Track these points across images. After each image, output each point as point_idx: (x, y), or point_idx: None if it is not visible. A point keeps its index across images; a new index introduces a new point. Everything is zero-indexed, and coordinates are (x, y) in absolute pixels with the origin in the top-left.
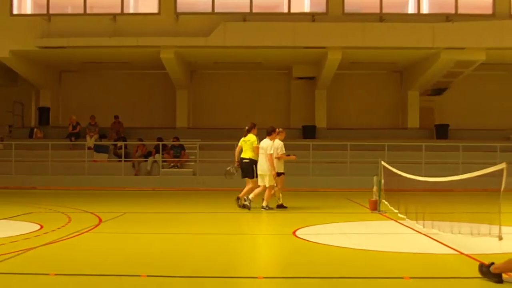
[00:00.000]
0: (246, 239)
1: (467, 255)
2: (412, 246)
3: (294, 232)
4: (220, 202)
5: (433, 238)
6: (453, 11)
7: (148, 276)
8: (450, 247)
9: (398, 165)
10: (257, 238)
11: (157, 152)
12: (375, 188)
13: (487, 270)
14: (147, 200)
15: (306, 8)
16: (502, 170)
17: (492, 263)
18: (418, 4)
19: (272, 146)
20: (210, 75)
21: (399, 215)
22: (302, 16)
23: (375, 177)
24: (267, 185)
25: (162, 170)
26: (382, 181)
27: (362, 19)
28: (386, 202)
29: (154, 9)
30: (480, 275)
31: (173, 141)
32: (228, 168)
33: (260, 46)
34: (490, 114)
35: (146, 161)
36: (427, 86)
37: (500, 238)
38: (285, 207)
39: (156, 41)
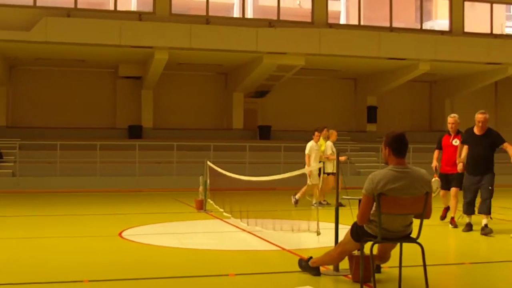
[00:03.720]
0: (70, 242)
1: (288, 250)
2: (237, 244)
3: (120, 234)
4: (41, 205)
5: (256, 235)
6: (275, 18)
7: None
8: (273, 243)
9: (224, 165)
10: (81, 240)
11: None
12: (201, 188)
13: (306, 264)
14: None
15: (133, 7)
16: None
17: (311, 257)
18: (243, 8)
19: (309, 147)
20: (31, 71)
21: (224, 213)
22: (128, 14)
23: (201, 177)
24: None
25: None
26: (208, 180)
27: (189, 21)
28: (212, 202)
29: None
30: (300, 269)
31: None
32: None
33: (85, 43)
34: (309, 116)
35: None
36: (251, 89)
37: (318, 234)
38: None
39: None
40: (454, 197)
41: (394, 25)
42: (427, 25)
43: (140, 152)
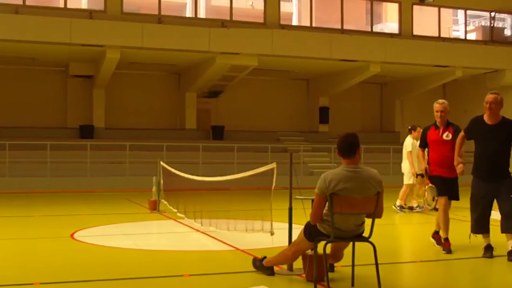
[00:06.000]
0: (20, 244)
1: (242, 250)
2: (191, 244)
3: (72, 235)
4: None
5: (211, 236)
6: (228, 18)
7: None
8: (227, 244)
9: (177, 165)
10: (32, 242)
11: None
12: (154, 188)
13: (260, 264)
14: None
15: (84, 5)
16: (272, 169)
17: (265, 257)
18: (196, 8)
19: (411, 144)
20: None
21: (178, 214)
22: (79, 12)
23: (154, 177)
24: (404, 183)
25: None
26: (161, 181)
27: (141, 20)
28: (165, 202)
29: None
30: (254, 269)
31: None
32: None
33: (34, 41)
34: (262, 116)
35: None
36: (204, 89)
37: (272, 233)
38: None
39: None
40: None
41: (345, 27)
42: (377, 28)
43: (92, 152)
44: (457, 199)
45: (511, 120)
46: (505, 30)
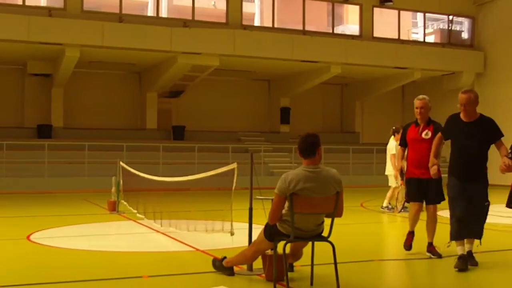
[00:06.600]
0: None
1: (202, 251)
2: (151, 245)
3: (28, 237)
4: None
5: (170, 236)
6: (190, 17)
7: None
8: (187, 244)
9: (137, 165)
10: None
11: None
12: (113, 189)
13: (220, 264)
14: None
15: (43, 2)
16: (233, 169)
17: (225, 257)
18: (157, 7)
19: (395, 146)
20: None
21: (137, 215)
22: (38, 9)
23: (113, 178)
24: (390, 185)
25: None
26: (121, 181)
27: (101, 18)
28: (125, 203)
29: None
30: (214, 270)
31: None
32: None
33: None
34: (223, 116)
35: None
36: (165, 88)
37: (232, 234)
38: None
39: None
40: (433, 219)
41: (307, 28)
42: (338, 29)
43: (50, 152)
44: (438, 202)
45: (489, 118)
46: (462, 33)
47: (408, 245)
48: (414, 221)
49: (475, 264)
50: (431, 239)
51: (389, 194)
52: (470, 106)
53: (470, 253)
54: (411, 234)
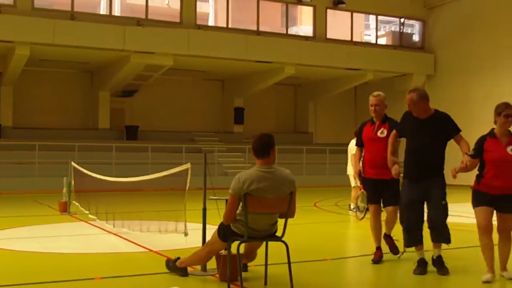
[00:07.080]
0: None
1: (156, 252)
2: (103, 246)
3: None
4: None
5: (123, 237)
6: (143, 16)
7: None
8: (140, 245)
9: (89, 165)
10: None
11: None
12: (65, 190)
13: (173, 265)
14: None
15: None
16: (187, 170)
17: (178, 258)
18: (110, 6)
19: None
20: None
21: (89, 216)
22: None
23: (65, 178)
24: (352, 185)
25: None
26: (73, 182)
27: (52, 16)
28: (76, 203)
29: None
30: (167, 270)
31: None
32: None
33: None
34: (177, 116)
35: None
36: (118, 88)
37: (186, 234)
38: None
39: None
40: (393, 218)
41: (261, 29)
42: (292, 30)
43: None
44: (395, 204)
45: (445, 114)
46: (414, 36)
47: (377, 259)
48: (375, 230)
49: (446, 273)
50: (389, 232)
51: (353, 194)
52: (414, 105)
53: (439, 258)
54: (379, 250)
